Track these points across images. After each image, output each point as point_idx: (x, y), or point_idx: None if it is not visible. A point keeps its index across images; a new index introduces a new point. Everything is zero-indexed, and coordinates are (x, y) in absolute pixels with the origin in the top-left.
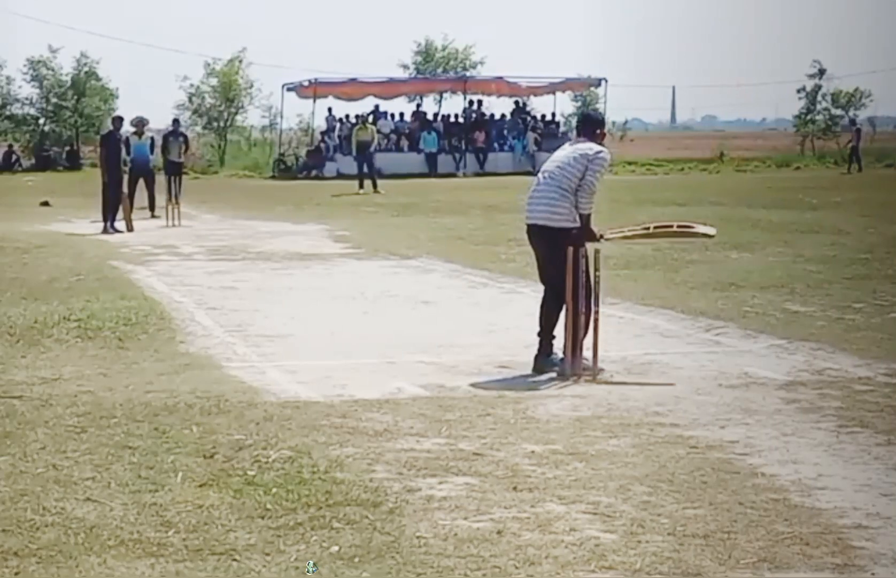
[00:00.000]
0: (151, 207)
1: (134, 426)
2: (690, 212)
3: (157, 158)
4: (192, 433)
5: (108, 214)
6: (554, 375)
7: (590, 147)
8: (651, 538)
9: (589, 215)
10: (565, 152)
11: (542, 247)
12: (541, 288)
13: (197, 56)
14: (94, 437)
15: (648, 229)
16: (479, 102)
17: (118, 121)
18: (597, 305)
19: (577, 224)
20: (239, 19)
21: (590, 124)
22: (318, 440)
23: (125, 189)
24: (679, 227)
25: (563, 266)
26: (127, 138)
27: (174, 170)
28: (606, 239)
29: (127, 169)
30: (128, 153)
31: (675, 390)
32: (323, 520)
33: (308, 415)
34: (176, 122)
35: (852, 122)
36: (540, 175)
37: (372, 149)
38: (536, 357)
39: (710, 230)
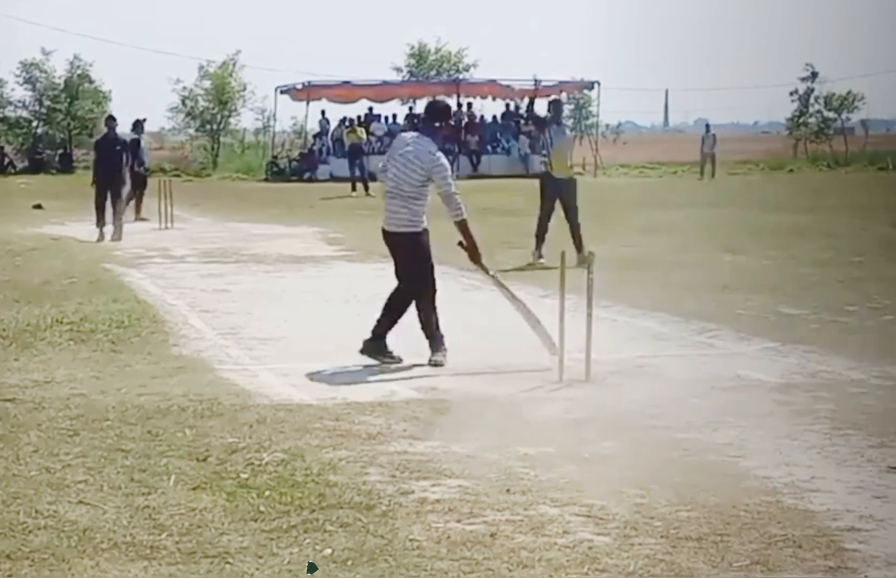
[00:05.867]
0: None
1: (127, 428)
2: (684, 214)
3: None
4: (185, 436)
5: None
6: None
7: (428, 151)
8: (644, 540)
9: (463, 221)
10: (403, 155)
11: (400, 250)
12: (535, 291)
13: (190, 59)
14: (87, 440)
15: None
16: (470, 104)
17: (112, 120)
18: (590, 307)
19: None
20: (232, 22)
21: (432, 117)
22: (311, 443)
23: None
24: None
25: (419, 266)
26: (138, 140)
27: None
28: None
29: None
30: (135, 157)
31: (668, 392)
32: (316, 523)
33: (301, 418)
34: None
35: (707, 127)
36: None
37: (367, 152)
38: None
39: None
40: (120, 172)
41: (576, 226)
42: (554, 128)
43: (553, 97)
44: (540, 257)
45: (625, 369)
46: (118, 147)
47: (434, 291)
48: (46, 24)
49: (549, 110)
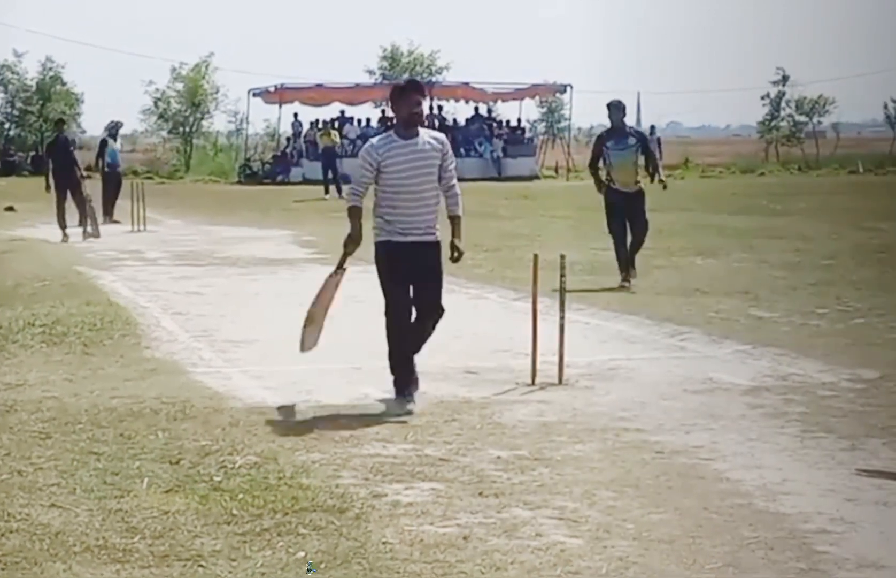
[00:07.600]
0: (110, 212)
1: (99, 431)
2: (657, 218)
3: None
4: (157, 439)
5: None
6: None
7: (437, 137)
8: (616, 543)
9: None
10: (422, 155)
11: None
12: (508, 294)
13: (163, 61)
14: (59, 443)
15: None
16: (440, 108)
17: (60, 123)
18: (562, 310)
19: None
20: (205, 25)
21: (416, 89)
22: (284, 446)
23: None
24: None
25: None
26: (105, 140)
27: None
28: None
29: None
30: (101, 157)
31: (640, 395)
32: (289, 526)
33: (274, 420)
34: None
35: (652, 129)
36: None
37: (340, 155)
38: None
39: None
40: (73, 171)
41: (638, 244)
42: (614, 139)
43: (613, 100)
44: (627, 279)
45: (597, 372)
46: (70, 148)
47: (393, 312)
48: (19, 25)
49: (608, 116)
